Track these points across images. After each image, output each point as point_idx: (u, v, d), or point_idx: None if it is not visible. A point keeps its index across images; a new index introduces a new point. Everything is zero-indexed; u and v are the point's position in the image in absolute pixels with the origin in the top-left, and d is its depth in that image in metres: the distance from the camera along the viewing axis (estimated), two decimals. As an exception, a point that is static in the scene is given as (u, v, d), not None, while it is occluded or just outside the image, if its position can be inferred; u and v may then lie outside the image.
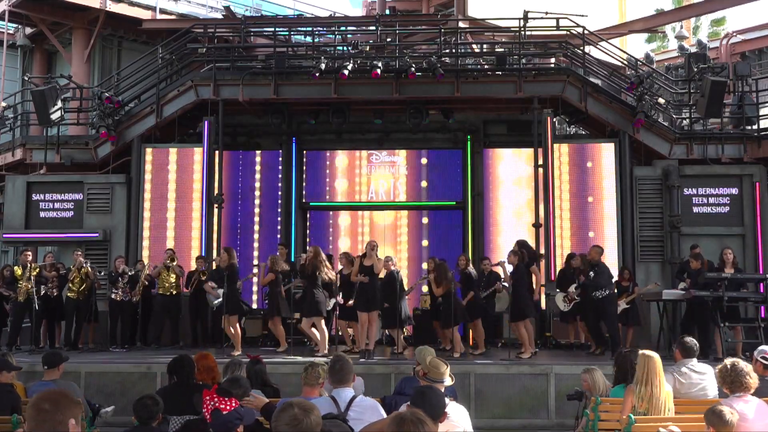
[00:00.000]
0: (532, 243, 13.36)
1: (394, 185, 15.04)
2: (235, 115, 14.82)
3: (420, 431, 2.92)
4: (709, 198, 13.95)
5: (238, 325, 11.66)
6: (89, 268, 12.70)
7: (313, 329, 11.25)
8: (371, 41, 15.69)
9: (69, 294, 12.63)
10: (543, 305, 12.94)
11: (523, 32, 14.54)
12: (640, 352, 5.78)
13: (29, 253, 12.96)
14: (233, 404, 3.79)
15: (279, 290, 11.73)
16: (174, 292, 12.95)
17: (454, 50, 15.47)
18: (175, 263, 13.02)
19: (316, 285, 11.20)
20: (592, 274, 11.38)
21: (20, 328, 12.62)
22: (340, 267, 12.45)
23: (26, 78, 18.79)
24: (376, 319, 11.30)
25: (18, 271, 12.55)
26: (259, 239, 14.76)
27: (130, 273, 12.86)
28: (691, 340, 6.71)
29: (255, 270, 12.92)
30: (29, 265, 12.43)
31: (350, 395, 4.79)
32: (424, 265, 13.46)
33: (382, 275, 11.35)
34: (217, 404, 3.74)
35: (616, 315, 11.57)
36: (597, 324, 11.67)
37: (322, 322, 11.24)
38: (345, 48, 14.80)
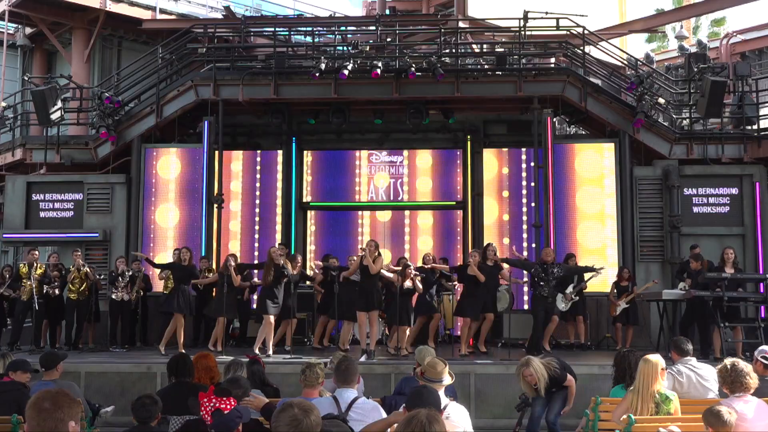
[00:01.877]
0: (532, 243, 13.38)
1: (394, 185, 15.03)
2: (235, 115, 14.82)
3: (431, 431, 2.92)
4: (709, 198, 13.95)
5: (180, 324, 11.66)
6: (88, 269, 12.70)
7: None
8: (371, 41, 15.70)
9: (69, 294, 12.62)
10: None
11: (523, 32, 14.53)
12: (642, 357, 5.73)
13: (36, 252, 12.94)
14: (232, 403, 3.79)
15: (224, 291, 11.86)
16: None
17: (454, 50, 15.47)
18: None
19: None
20: (557, 271, 11.56)
21: (22, 328, 12.63)
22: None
23: (26, 78, 18.77)
24: (376, 318, 11.27)
25: (23, 269, 12.54)
26: (259, 239, 14.76)
27: (129, 273, 12.84)
28: (683, 339, 6.77)
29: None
30: (35, 264, 12.43)
31: (352, 396, 4.80)
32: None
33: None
34: (216, 404, 3.74)
35: (536, 317, 11.54)
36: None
37: (270, 319, 11.17)
38: (345, 48, 14.79)
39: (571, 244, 13.75)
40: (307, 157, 15.24)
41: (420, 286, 11.47)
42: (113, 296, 12.72)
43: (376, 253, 11.04)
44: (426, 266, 11.88)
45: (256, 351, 10.68)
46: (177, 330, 11.58)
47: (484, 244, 12.60)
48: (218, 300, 11.79)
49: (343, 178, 15.14)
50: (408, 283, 11.31)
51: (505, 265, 12.07)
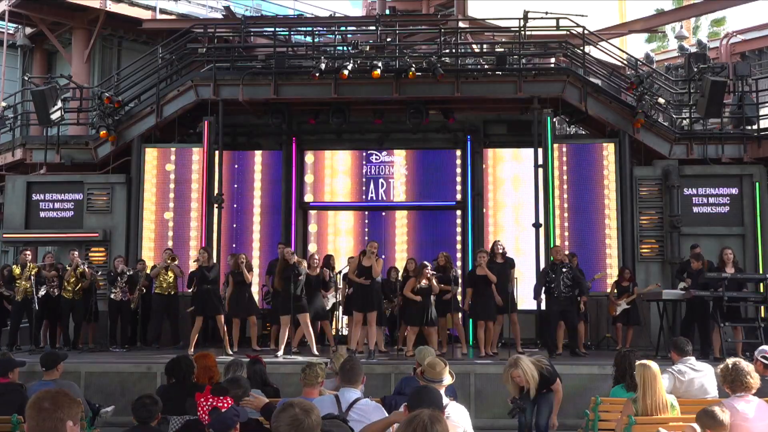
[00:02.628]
0: (532, 243, 13.36)
1: (394, 185, 15.02)
2: (235, 115, 14.81)
3: (432, 431, 2.92)
4: (709, 198, 13.95)
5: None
6: (86, 268, 12.70)
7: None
8: (371, 41, 15.69)
9: (64, 294, 12.62)
10: (543, 305, 12.91)
11: (523, 32, 14.53)
12: (638, 362, 5.68)
13: (29, 252, 12.98)
14: (229, 402, 3.80)
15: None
16: (172, 292, 12.94)
17: (454, 50, 15.47)
18: (175, 262, 13.02)
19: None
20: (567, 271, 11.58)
21: (18, 328, 12.63)
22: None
23: (26, 78, 18.77)
24: (374, 319, 11.24)
25: (16, 270, 12.56)
26: (260, 239, 14.76)
27: (129, 273, 12.85)
28: (683, 339, 6.74)
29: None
30: (28, 264, 12.44)
31: (354, 396, 4.80)
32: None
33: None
34: (214, 403, 3.74)
35: (551, 318, 11.64)
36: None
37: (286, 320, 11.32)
38: (345, 48, 14.79)
39: (572, 244, 13.74)
40: (307, 157, 15.23)
41: (436, 285, 11.28)
42: (112, 296, 12.73)
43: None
44: (441, 264, 11.86)
45: (282, 353, 10.96)
46: (220, 330, 11.79)
47: (492, 242, 12.52)
48: (235, 300, 11.95)
49: (343, 178, 15.12)
50: (424, 282, 11.17)
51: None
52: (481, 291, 11.44)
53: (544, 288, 11.78)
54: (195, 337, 11.64)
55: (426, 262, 11.54)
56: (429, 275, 11.18)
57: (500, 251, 11.87)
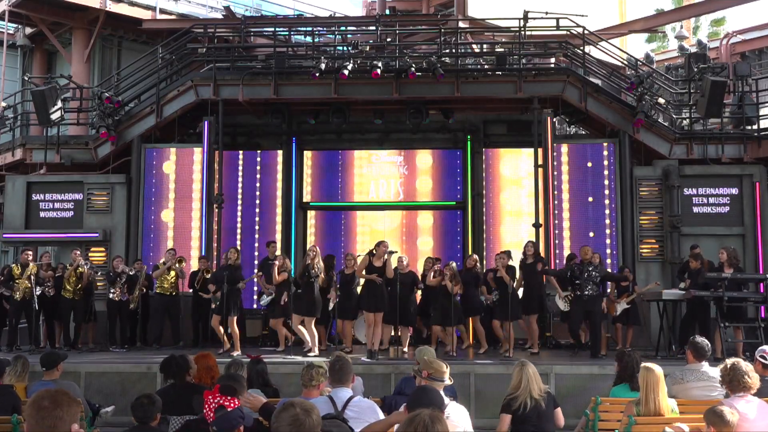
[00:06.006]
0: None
1: (394, 185, 15.03)
2: (235, 115, 14.82)
3: (433, 430, 2.92)
4: (709, 198, 13.95)
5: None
6: (86, 268, 12.69)
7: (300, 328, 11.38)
8: (371, 41, 15.70)
9: (64, 294, 12.60)
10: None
11: (523, 32, 14.53)
12: (642, 365, 5.64)
13: (30, 252, 12.96)
14: (236, 403, 3.81)
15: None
16: (173, 293, 12.93)
17: (454, 50, 15.47)
18: (183, 265, 13.01)
19: None
20: (593, 271, 11.40)
21: (18, 328, 12.61)
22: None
23: (26, 78, 18.79)
24: (381, 319, 11.23)
25: (16, 270, 12.53)
26: (259, 239, 14.75)
27: (130, 273, 12.85)
28: (703, 342, 6.58)
29: (257, 272, 13.05)
30: (29, 264, 12.43)
31: (347, 395, 4.81)
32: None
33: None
34: (220, 401, 3.75)
35: (574, 319, 11.58)
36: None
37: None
38: (345, 48, 14.79)
39: (572, 245, 13.73)
40: (307, 157, 15.23)
41: (450, 285, 11.24)
42: (111, 296, 12.72)
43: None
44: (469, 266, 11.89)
45: (314, 352, 10.99)
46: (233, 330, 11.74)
47: (525, 243, 12.36)
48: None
49: (343, 178, 15.13)
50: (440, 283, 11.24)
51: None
52: (504, 293, 11.38)
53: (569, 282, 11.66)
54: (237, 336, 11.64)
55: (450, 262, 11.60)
56: (436, 271, 11.15)
57: (531, 252, 11.82)
